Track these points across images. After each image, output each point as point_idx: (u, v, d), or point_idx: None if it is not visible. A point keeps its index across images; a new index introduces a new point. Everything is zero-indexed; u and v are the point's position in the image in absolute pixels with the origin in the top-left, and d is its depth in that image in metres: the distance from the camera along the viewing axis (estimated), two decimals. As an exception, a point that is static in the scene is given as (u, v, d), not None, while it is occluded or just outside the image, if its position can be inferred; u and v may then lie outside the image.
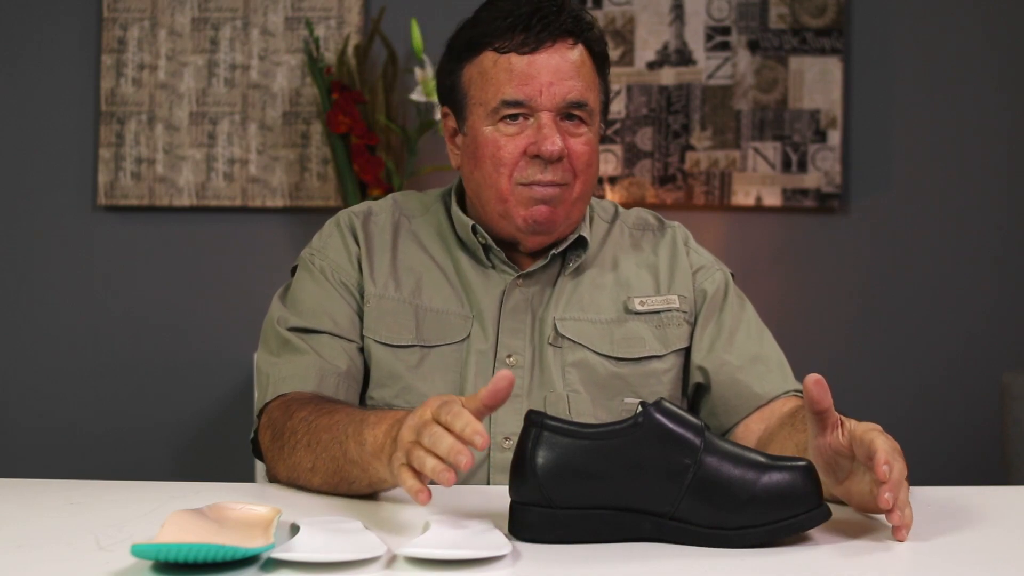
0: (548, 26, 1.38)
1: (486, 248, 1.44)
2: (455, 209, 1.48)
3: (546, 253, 1.44)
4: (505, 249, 1.45)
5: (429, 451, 0.99)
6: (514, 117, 1.38)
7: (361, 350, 1.42)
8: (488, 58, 1.40)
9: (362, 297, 1.43)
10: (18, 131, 2.79)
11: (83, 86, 2.77)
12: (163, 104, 2.74)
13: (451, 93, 1.46)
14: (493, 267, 1.45)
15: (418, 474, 1.00)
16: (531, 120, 1.38)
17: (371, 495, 1.19)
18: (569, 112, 1.39)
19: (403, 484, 1.00)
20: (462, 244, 1.47)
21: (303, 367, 1.36)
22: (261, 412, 1.37)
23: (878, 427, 1.07)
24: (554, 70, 1.38)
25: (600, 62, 1.44)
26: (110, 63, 2.74)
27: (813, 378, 1.05)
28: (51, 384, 2.77)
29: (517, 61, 1.38)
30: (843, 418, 1.08)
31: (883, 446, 1.01)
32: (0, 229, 2.79)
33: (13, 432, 2.76)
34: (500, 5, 1.41)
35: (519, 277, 1.43)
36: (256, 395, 1.41)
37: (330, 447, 1.19)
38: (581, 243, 1.46)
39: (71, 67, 2.77)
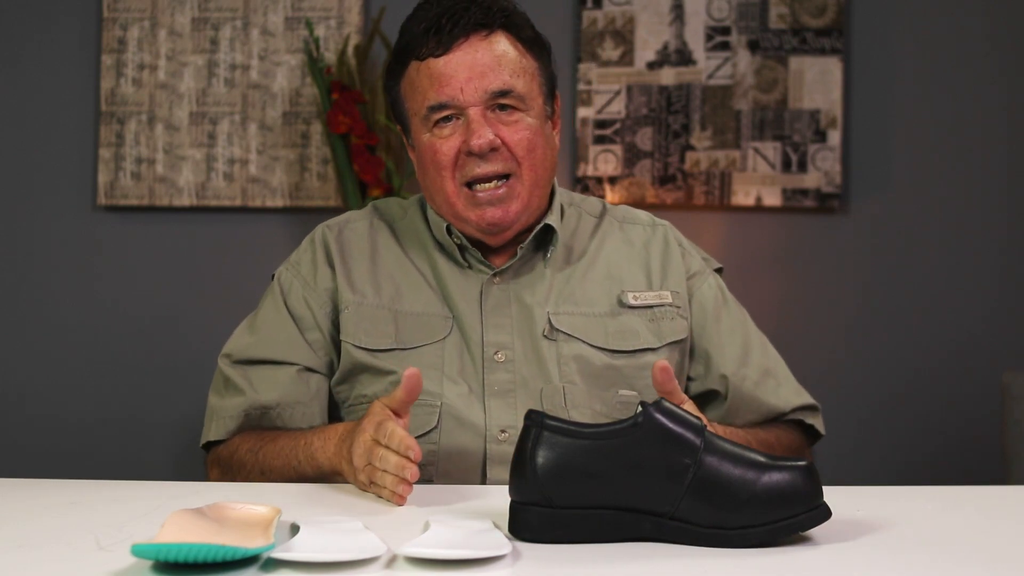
0: (457, 23, 1.40)
1: (462, 248, 1.45)
2: (431, 211, 1.49)
3: (515, 249, 1.46)
4: (479, 247, 1.46)
5: (385, 470, 1.16)
6: (446, 119, 1.41)
7: (309, 369, 1.46)
8: (412, 68, 1.43)
9: (328, 314, 1.47)
10: (18, 131, 2.79)
11: (83, 86, 2.77)
12: (163, 104, 2.74)
13: (395, 110, 1.50)
14: (470, 267, 1.46)
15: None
16: (462, 119, 1.40)
17: (370, 495, 1.20)
18: (497, 103, 1.40)
19: (381, 496, 1.18)
20: (439, 246, 1.48)
21: (236, 410, 1.44)
22: (204, 446, 1.48)
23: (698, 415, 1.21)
24: (470, 65, 1.39)
25: (530, 45, 1.44)
26: (110, 63, 2.74)
27: (660, 365, 1.20)
28: (51, 384, 2.77)
29: (435, 64, 1.40)
30: (687, 402, 1.23)
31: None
32: (0, 229, 2.79)
33: (13, 431, 2.76)
34: (418, 14, 1.44)
35: (495, 275, 1.44)
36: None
37: (284, 471, 1.35)
38: (549, 231, 1.47)
39: (71, 67, 2.77)
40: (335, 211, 2.52)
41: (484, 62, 1.39)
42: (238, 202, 2.74)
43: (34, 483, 1.27)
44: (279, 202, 2.73)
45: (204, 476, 1.53)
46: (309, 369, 1.45)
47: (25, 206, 2.78)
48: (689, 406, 1.23)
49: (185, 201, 2.74)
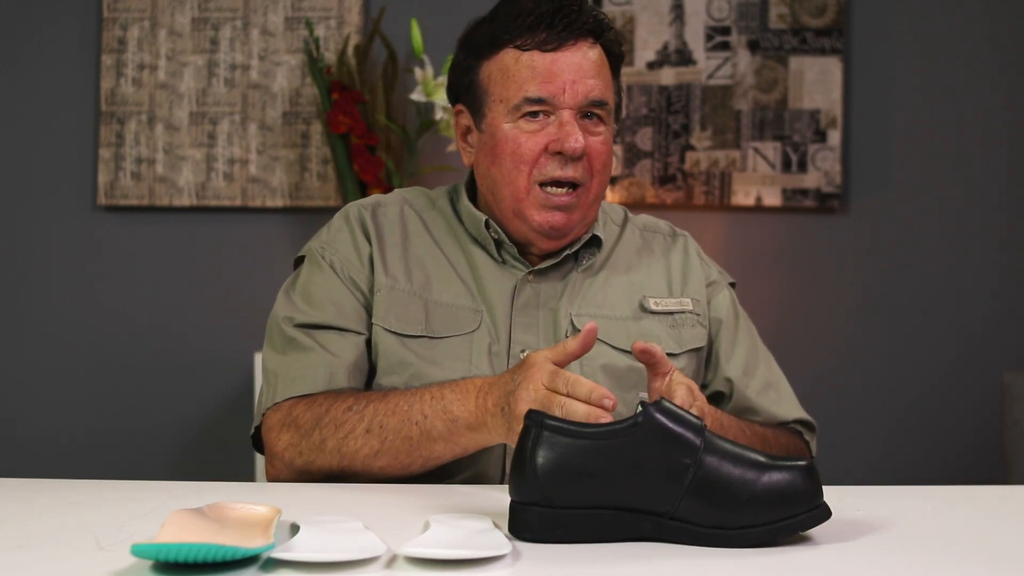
0: (570, 25, 1.39)
1: (498, 243, 1.45)
2: (466, 204, 1.48)
3: (559, 252, 1.45)
4: (516, 244, 1.45)
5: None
6: (535, 114, 1.39)
7: (368, 342, 1.42)
8: (509, 55, 1.40)
9: (371, 290, 1.44)
10: (18, 131, 2.79)
11: (83, 86, 2.77)
12: (163, 104, 2.74)
13: (467, 90, 1.46)
14: (504, 262, 1.45)
15: None
16: (552, 118, 1.39)
17: (370, 495, 1.20)
18: (589, 111, 1.40)
19: None
20: (473, 239, 1.47)
21: (312, 366, 1.37)
22: (267, 410, 1.38)
23: (690, 382, 1.23)
24: (576, 68, 1.39)
25: (616, 63, 1.46)
26: (110, 63, 2.74)
27: (638, 346, 1.21)
28: (51, 384, 2.77)
29: (540, 59, 1.39)
30: (675, 372, 1.22)
31: (680, 386, 1.19)
32: (0, 229, 2.79)
33: (13, 432, 2.76)
34: (520, 3, 1.42)
35: (530, 273, 1.44)
36: (264, 393, 1.41)
37: (403, 428, 1.27)
38: (595, 242, 1.47)
39: (71, 67, 2.77)
40: (335, 211, 2.51)
41: (587, 69, 1.39)
42: (238, 202, 2.74)
43: (34, 483, 1.27)
44: (279, 202, 2.73)
45: (204, 476, 1.52)
46: (369, 343, 1.43)
47: (25, 206, 2.78)
48: (678, 375, 1.23)
49: (185, 201, 2.74)
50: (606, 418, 1.07)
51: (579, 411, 1.09)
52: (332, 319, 1.41)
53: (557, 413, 1.09)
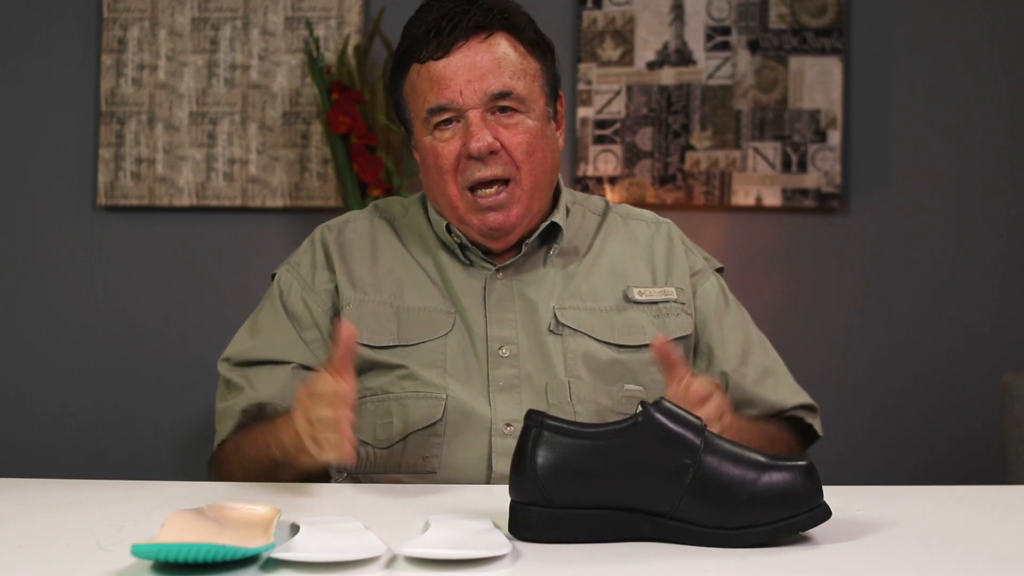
0: (457, 26, 1.40)
1: (463, 246, 1.46)
2: (432, 209, 1.50)
3: (518, 246, 1.46)
4: (481, 246, 1.46)
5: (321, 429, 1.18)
6: (447, 122, 1.41)
7: (304, 367, 1.46)
8: (413, 71, 1.43)
9: (330, 313, 1.48)
10: (18, 131, 2.79)
11: (83, 86, 2.77)
12: (163, 104, 2.74)
13: (399, 112, 1.50)
14: (471, 264, 1.46)
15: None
16: (462, 122, 1.40)
17: (370, 495, 1.20)
18: (497, 105, 1.40)
19: (326, 454, 1.19)
20: (442, 243, 1.48)
21: (234, 411, 1.46)
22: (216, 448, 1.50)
23: (713, 383, 1.27)
24: (469, 68, 1.39)
25: (531, 47, 1.44)
26: (110, 63, 2.74)
27: (658, 343, 1.24)
28: (51, 384, 2.77)
29: (434, 67, 1.41)
30: (692, 375, 1.26)
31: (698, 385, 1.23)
32: (0, 229, 2.79)
33: (13, 432, 2.76)
34: (419, 16, 1.45)
35: (498, 270, 1.45)
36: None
37: (258, 459, 1.37)
38: (555, 229, 1.47)
39: (71, 67, 2.77)
40: (335, 211, 2.51)
41: (483, 64, 1.39)
42: (238, 202, 2.74)
43: (34, 483, 1.27)
44: (279, 202, 2.73)
45: (203, 476, 1.53)
46: (304, 367, 1.45)
47: (25, 206, 2.78)
48: (698, 384, 1.24)
49: (185, 201, 2.74)
50: (346, 392, 1.17)
51: (319, 410, 1.18)
52: (266, 353, 1.47)
53: (309, 416, 1.19)
